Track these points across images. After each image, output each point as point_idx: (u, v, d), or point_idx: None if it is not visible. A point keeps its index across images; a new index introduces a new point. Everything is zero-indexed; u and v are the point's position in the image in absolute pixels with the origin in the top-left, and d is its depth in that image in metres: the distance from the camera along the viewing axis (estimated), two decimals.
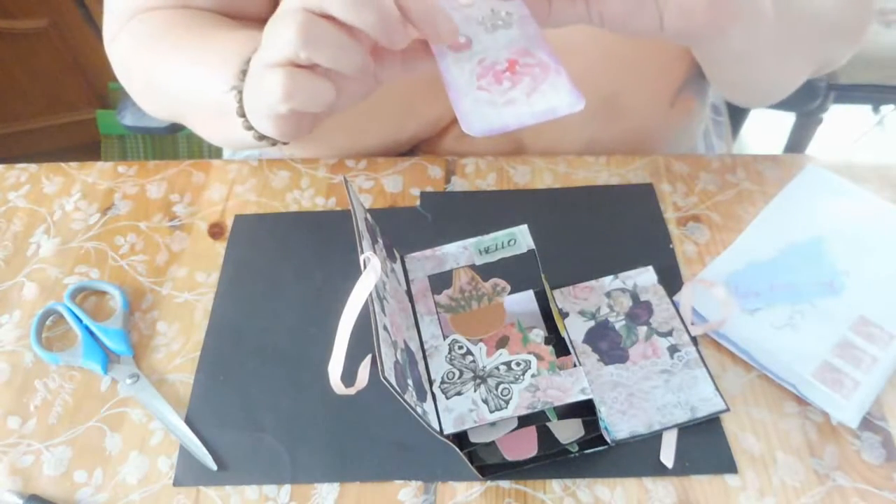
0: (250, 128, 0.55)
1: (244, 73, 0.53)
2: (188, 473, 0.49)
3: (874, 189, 0.60)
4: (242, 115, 0.54)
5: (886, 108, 1.68)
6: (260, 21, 0.67)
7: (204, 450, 0.49)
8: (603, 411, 0.49)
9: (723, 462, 0.47)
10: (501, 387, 0.45)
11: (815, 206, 0.58)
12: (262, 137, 0.55)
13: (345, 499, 0.47)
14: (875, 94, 1.31)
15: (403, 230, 0.59)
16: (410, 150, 0.71)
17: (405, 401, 0.40)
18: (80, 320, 0.56)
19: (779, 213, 0.58)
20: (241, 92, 0.54)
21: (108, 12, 0.68)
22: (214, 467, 0.48)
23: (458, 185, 0.64)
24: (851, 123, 1.73)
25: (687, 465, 0.47)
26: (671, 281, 0.56)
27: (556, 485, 0.47)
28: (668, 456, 0.47)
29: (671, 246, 0.58)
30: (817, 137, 1.34)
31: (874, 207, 0.58)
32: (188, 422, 0.51)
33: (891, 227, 0.56)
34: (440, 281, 0.52)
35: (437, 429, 0.43)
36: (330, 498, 0.47)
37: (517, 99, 0.43)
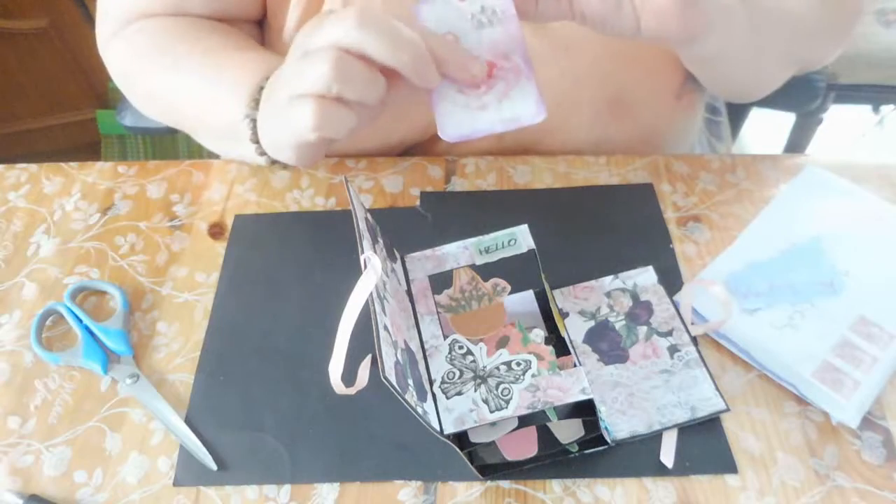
0: (263, 153, 0.56)
1: (256, 101, 0.55)
2: (188, 473, 0.49)
3: (874, 189, 0.60)
4: (256, 141, 0.56)
5: (886, 108, 1.68)
6: (252, 23, 0.68)
7: (204, 450, 0.49)
8: (603, 411, 0.48)
9: (723, 462, 0.47)
10: (502, 387, 0.45)
11: (815, 206, 0.58)
12: (273, 161, 0.57)
13: (345, 499, 0.47)
14: (875, 94, 1.31)
15: (403, 230, 0.59)
16: (403, 152, 0.71)
17: (406, 401, 0.40)
18: (80, 320, 0.56)
19: (779, 213, 0.58)
20: (254, 120, 0.55)
21: (102, 13, 0.68)
22: (214, 467, 0.48)
23: (458, 185, 0.64)
24: (851, 123, 1.73)
25: (687, 465, 0.47)
26: (671, 281, 0.56)
27: (556, 485, 0.47)
28: (668, 456, 0.47)
29: (671, 246, 0.58)
30: (817, 137, 1.34)
31: (874, 207, 0.58)
32: (188, 422, 0.51)
33: (891, 227, 0.56)
34: (440, 281, 0.52)
35: (438, 429, 0.43)
36: (330, 498, 0.47)
37: (489, 104, 0.47)
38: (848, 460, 0.47)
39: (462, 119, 0.47)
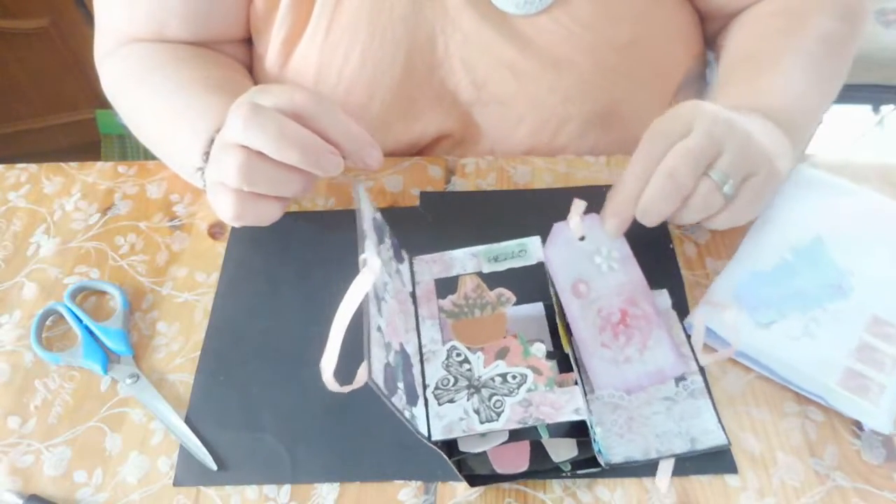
0: None
1: (207, 154, 0.55)
2: (188, 473, 0.49)
3: (874, 189, 0.59)
4: None
5: (886, 108, 1.68)
6: (240, 43, 0.68)
7: (204, 450, 0.49)
8: (598, 433, 0.47)
9: (723, 462, 0.47)
10: (494, 398, 0.44)
11: (809, 206, 0.57)
12: None
13: (345, 499, 0.47)
14: (875, 94, 1.31)
15: (403, 230, 0.59)
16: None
17: (392, 404, 0.39)
18: (80, 320, 0.56)
19: (775, 217, 0.57)
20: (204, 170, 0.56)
21: (98, 29, 0.69)
22: (214, 467, 0.48)
23: (459, 184, 0.64)
24: (851, 123, 1.73)
25: (687, 465, 0.47)
26: (671, 282, 0.55)
27: (556, 485, 0.46)
28: (663, 481, 0.46)
29: (671, 246, 0.58)
30: (817, 137, 1.34)
31: (869, 202, 0.57)
32: (188, 422, 0.51)
33: (887, 219, 0.55)
34: (446, 285, 0.52)
35: (426, 434, 0.42)
36: (330, 498, 0.47)
37: (633, 357, 0.50)
38: (848, 460, 0.47)
39: (613, 375, 0.50)
